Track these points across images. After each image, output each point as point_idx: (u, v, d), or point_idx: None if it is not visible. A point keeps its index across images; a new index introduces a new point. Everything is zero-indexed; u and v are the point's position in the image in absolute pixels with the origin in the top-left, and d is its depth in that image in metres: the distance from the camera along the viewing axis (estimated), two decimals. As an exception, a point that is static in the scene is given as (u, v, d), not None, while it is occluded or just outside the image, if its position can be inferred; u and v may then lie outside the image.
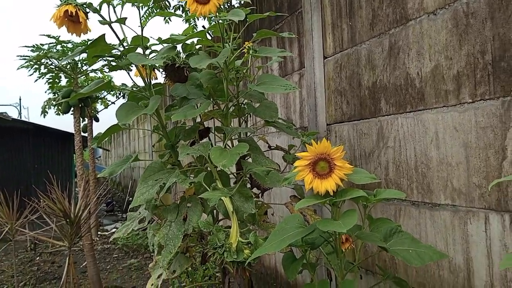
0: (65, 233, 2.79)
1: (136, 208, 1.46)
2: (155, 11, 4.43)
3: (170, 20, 5.18)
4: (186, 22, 5.31)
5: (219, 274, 1.55)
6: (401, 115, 1.56)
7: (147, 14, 4.52)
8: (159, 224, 1.37)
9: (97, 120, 5.30)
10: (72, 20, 1.37)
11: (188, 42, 1.56)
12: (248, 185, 1.60)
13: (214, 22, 1.47)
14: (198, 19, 5.19)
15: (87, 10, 1.36)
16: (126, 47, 1.41)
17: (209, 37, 2.77)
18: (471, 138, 1.28)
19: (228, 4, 4.27)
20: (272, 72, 2.61)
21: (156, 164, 1.33)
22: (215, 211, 1.46)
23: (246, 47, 1.83)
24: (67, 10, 1.34)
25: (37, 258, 5.34)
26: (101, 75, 4.86)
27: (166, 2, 5.21)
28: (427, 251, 0.98)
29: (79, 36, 1.38)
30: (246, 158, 1.61)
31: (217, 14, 1.29)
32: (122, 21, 1.36)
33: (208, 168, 1.42)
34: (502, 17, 1.18)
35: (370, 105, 1.73)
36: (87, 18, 1.37)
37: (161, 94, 1.58)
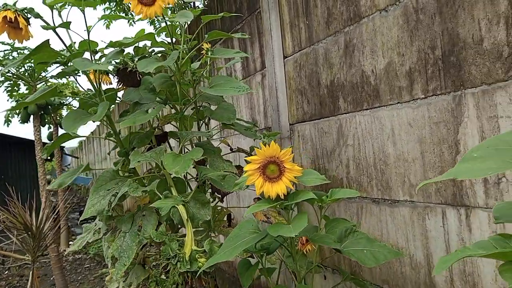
0: (28, 246, 2.68)
1: (91, 219, 1.41)
2: (117, 14, 4.33)
3: (134, 23, 5.08)
4: (151, 24, 5.23)
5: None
6: (358, 112, 1.56)
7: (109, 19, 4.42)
8: (113, 236, 1.32)
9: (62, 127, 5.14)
10: (13, 26, 1.31)
11: (141, 45, 1.51)
12: (210, 190, 1.57)
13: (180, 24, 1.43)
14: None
15: (28, 15, 1.30)
16: (74, 52, 1.35)
17: (168, 40, 2.71)
18: (425, 134, 1.28)
19: (192, 5, 4.22)
20: (235, 73, 2.58)
21: (108, 173, 1.27)
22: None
23: (205, 48, 1.79)
24: (5, 16, 1.27)
25: (6, 272, 5.15)
26: (64, 81, 4.72)
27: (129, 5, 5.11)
28: (382, 251, 0.97)
29: (21, 43, 1.31)
30: (206, 164, 1.57)
31: (164, 15, 1.25)
32: (66, 25, 1.31)
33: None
34: (450, 12, 1.19)
35: (329, 104, 1.72)
36: (29, 24, 1.31)
37: (114, 100, 1.53)
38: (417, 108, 1.30)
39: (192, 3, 5.02)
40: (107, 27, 5.08)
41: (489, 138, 0.54)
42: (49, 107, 3.25)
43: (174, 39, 1.41)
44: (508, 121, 1.08)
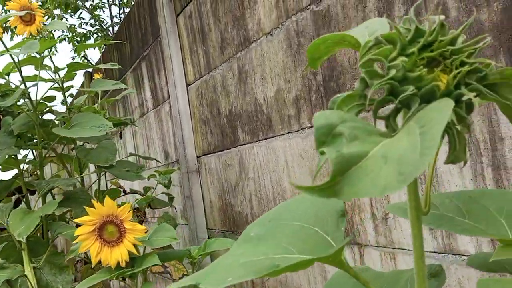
0: None
1: None
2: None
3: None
4: (75, 53, 4.97)
5: None
6: (255, 143, 1.44)
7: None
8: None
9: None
10: None
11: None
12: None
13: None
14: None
15: None
16: None
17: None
18: (315, 166, 1.18)
19: (112, 30, 4.03)
20: (146, 103, 2.42)
21: None
22: None
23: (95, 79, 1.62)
24: None
25: None
26: None
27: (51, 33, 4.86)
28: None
29: None
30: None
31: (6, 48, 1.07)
32: None
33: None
34: (327, 33, 1.10)
35: (230, 134, 1.60)
36: None
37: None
38: (306, 138, 1.20)
39: (111, 29, 4.85)
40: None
41: (276, 207, 0.41)
42: None
43: (19, 73, 1.22)
44: (389, 151, 0.99)
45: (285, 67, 1.26)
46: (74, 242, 0.80)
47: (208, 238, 1.80)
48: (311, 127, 1.18)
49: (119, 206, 0.78)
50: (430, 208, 0.32)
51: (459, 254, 0.85)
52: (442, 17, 0.27)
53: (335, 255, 0.31)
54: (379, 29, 0.34)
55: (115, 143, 1.36)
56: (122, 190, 1.56)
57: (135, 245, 0.79)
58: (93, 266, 0.75)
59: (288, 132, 1.27)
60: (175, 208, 1.98)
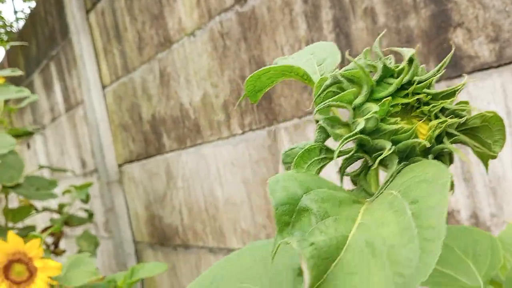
0: None
1: None
2: None
3: None
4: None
5: None
6: (183, 150, 1.36)
7: None
8: None
9: None
10: None
11: None
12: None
13: None
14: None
15: None
16: None
17: None
18: (248, 174, 1.13)
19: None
20: (57, 107, 2.20)
21: None
22: None
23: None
24: None
25: None
26: None
27: None
28: None
29: None
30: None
31: None
32: None
33: None
34: (253, 37, 1.05)
35: (154, 141, 1.49)
36: None
37: None
38: (237, 145, 1.15)
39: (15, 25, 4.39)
40: None
41: (218, 263, 0.35)
42: None
43: None
44: (322, 157, 0.97)
45: (211, 70, 1.19)
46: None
47: (136, 251, 1.68)
48: (242, 133, 1.13)
49: (26, 241, 0.66)
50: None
51: None
52: (412, 50, 0.23)
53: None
54: (328, 57, 0.29)
55: (21, 159, 1.19)
56: (34, 208, 1.38)
57: (50, 284, 0.68)
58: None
59: (218, 139, 1.20)
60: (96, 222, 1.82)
